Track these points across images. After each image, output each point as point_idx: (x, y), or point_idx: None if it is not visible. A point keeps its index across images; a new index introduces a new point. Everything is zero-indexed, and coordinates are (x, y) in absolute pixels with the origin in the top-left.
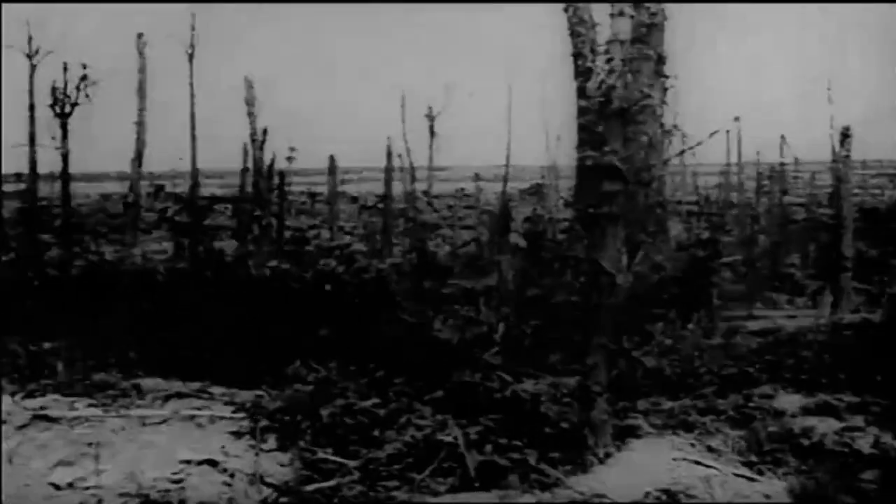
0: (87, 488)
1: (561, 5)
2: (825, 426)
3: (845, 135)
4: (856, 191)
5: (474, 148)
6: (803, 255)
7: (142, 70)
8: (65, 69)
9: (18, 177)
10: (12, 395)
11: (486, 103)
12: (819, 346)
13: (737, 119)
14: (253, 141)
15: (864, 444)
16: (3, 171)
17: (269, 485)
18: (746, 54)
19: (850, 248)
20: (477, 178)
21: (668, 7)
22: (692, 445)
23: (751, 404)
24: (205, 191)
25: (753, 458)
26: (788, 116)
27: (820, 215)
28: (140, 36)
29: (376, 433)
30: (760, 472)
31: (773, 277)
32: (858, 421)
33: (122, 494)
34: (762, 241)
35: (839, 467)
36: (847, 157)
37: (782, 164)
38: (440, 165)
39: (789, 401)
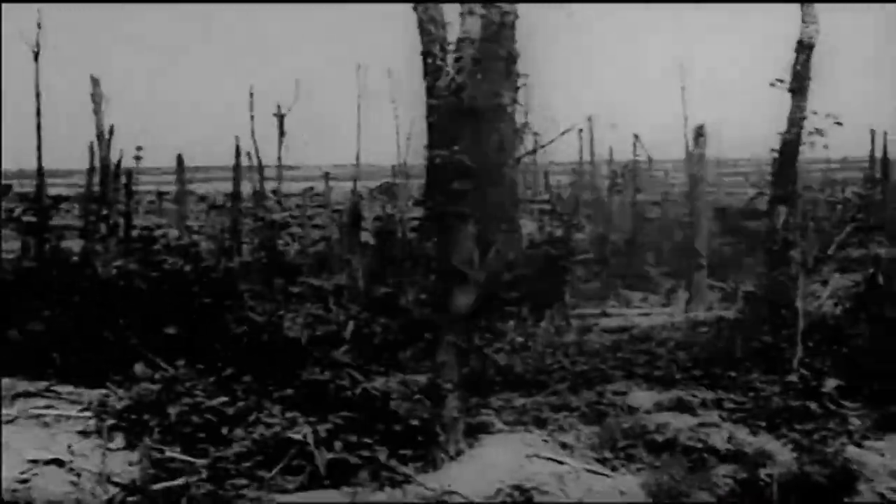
0: None
1: (410, 4)
2: (679, 422)
3: (699, 133)
4: (710, 189)
5: (324, 147)
6: (657, 253)
7: None
8: None
9: None
10: None
11: (336, 102)
12: (673, 343)
13: (589, 119)
14: (100, 140)
15: (718, 439)
16: None
17: (116, 484)
18: (602, 53)
19: (705, 246)
20: (327, 176)
21: (520, 6)
22: (545, 442)
23: (604, 401)
24: (53, 190)
25: (607, 454)
26: (643, 115)
27: (674, 213)
28: None
29: (225, 431)
30: (614, 468)
31: (627, 275)
32: (713, 417)
33: None
34: (615, 239)
35: (693, 463)
36: (701, 155)
37: (636, 163)
38: (289, 164)
39: (643, 397)
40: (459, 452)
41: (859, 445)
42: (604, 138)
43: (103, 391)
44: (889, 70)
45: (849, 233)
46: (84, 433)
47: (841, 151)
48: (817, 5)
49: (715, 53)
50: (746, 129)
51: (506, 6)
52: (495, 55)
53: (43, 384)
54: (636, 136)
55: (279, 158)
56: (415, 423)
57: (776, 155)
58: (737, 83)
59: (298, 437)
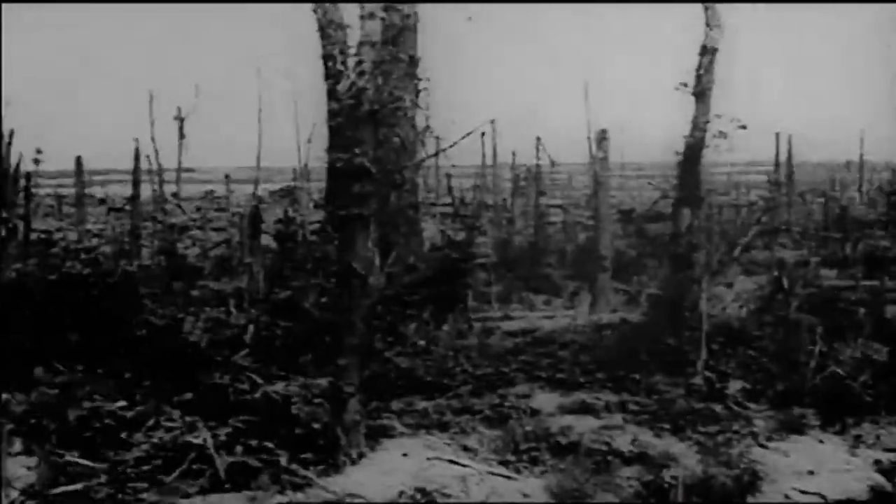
0: None
1: (310, 6)
2: (583, 425)
3: (603, 137)
4: (614, 192)
5: (225, 150)
6: (561, 256)
7: None
8: None
9: None
10: None
11: (237, 105)
12: (577, 345)
13: (492, 121)
14: None
15: (622, 442)
16: None
17: (15, 488)
18: (505, 56)
19: (609, 249)
20: (227, 179)
21: (422, 9)
22: (447, 445)
23: (507, 404)
24: None
25: (510, 457)
26: (547, 118)
27: (577, 217)
28: None
29: (124, 436)
30: (517, 471)
31: (530, 278)
32: (617, 419)
33: None
34: (518, 243)
35: (597, 465)
36: (604, 158)
37: (538, 166)
38: (190, 167)
39: (546, 400)
40: (361, 456)
41: (764, 447)
42: (507, 141)
43: (2, 395)
44: (797, 73)
45: (753, 235)
46: None
47: (746, 155)
48: (720, 8)
49: (619, 56)
50: (650, 133)
51: (407, 8)
52: (396, 58)
53: None
54: (539, 140)
55: (179, 161)
56: (316, 426)
57: (680, 158)
58: (640, 86)
59: (198, 441)
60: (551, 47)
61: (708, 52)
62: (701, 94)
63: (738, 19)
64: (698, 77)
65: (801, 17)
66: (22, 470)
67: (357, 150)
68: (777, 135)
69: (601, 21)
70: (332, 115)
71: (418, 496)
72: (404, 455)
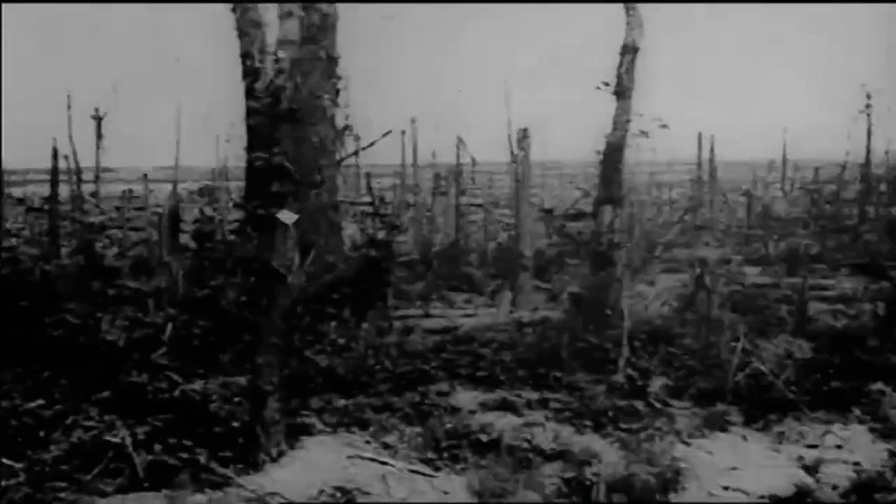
0: None
1: (228, 5)
2: (504, 422)
3: (524, 136)
4: (535, 191)
5: (143, 149)
6: (482, 255)
7: None
8: None
9: None
10: None
11: (156, 104)
12: (498, 343)
13: (413, 120)
14: None
15: (543, 439)
16: None
17: None
18: (427, 54)
19: (529, 248)
20: (146, 179)
21: (341, 8)
22: (367, 443)
23: (427, 401)
24: None
25: (430, 455)
26: (468, 116)
27: (498, 215)
28: None
29: (42, 434)
30: (438, 469)
31: (451, 277)
32: (538, 417)
33: None
34: (439, 241)
35: (519, 462)
36: (525, 157)
37: (459, 165)
38: (108, 167)
39: (467, 397)
40: (280, 454)
41: (686, 444)
42: (427, 140)
43: None
44: (719, 73)
45: (675, 234)
46: None
47: (668, 154)
48: (641, 8)
49: (541, 54)
50: (572, 132)
51: (325, 7)
52: (315, 57)
53: None
54: (459, 139)
55: (97, 161)
56: (235, 425)
57: (601, 157)
58: (563, 85)
59: (117, 439)
60: (472, 46)
61: (629, 51)
62: (622, 93)
63: (665, 18)
64: (619, 76)
65: (724, 17)
66: None
67: (276, 150)
68: (700, 134)
69: (522, 21)
70: (250, 113)
71: (338, 495)
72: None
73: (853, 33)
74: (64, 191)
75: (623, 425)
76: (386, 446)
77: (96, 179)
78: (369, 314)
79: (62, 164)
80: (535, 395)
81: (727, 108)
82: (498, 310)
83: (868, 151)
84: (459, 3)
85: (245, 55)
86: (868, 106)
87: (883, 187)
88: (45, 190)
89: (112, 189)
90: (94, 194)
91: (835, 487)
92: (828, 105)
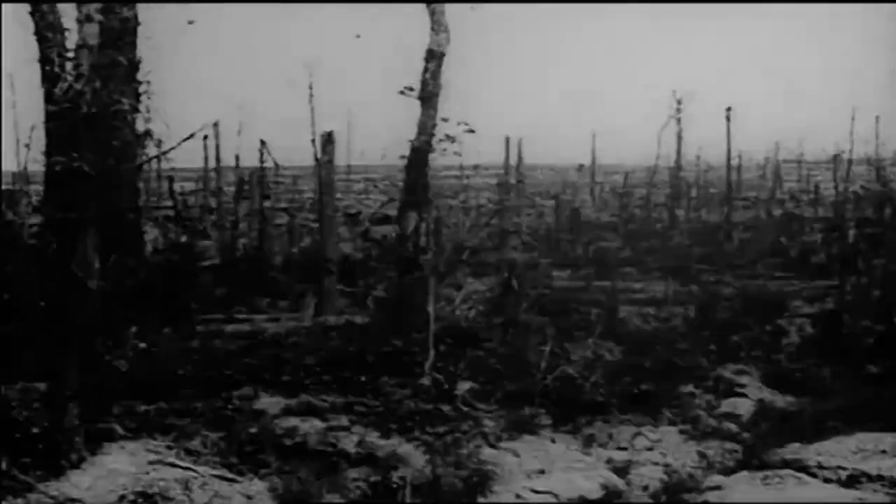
0: None
1: (27, 7)
2: (308, 426)
3: (328, 140)
4: (340, 195)
5: None
6: (287, 259)
7: None
8: None
9: None
10: None
11: None
12: (302, 348)
13: (215, 124)
14: None
15: (348, 443)
16: None
17: None
18: (229, 58)
19: (335, 252)
20: None
21: (142, 12)
22: (169, 448)
23: (230, 406)
24: None
25: (234, 460)
26: (271, 120)
27: (302, 219)
28: None
29: None
30: (241, 473)
31: (256, 281)
32: (343, 421)
33: None
34: (243, 245)
35: (323, 467)
36: (330, 162)
37: (262, 169)
38: None
39: (271, 402)
40: (82, 460)
41: (494, 447)
42: (230, 144)
43: None
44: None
45: (483, 238)
46: None
47: (476, 158)
48: (448, 14)
49: (346, 57)
50: (379, 136)
51: (126, 12)
52: (115, 62)
53: None
54: (262, 143)
55: None
56: (35, 430)
57: (406, 162)
58: (370, 89)
59: None
60: (279, 48)
61: (434, 56)
62: (427, 98)
63: (479, 21)
64: (424, 81)
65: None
66: None
67: (75, 154)
68: (507, 138)
69: (329, 21)
70: (49, 117)
71: (140, 500)
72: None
73: (669, 40)
74: None
75: (429, 429)
76: (189, 452)
77: None
78: (172, 319)
79: None
80: (340, 400)
81: (537, 112)
82: (303, 314)
83: (678, 156)
84: (266, 3)
85: (44, 59)
86: (678, 111)
87: (693, 192)
88: None
89: None
90: None
91: (645, 489)
92: (638, 110)
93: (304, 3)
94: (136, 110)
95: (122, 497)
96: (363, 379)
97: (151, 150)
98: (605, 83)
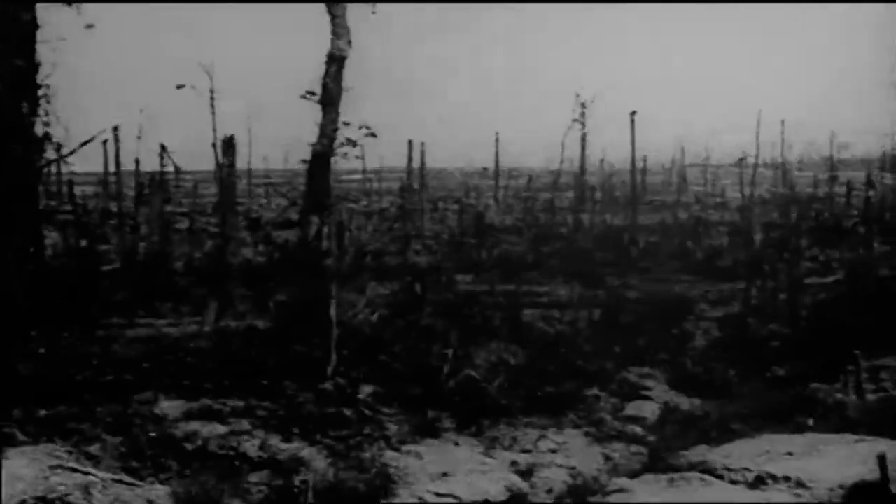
0: None
1: None
2: (209, 430)
3: (229, 144)
4: (241, 200)
5: None
6: (188, 263)
7: None
8: None
9: None
10: None
11: None
12: (203, 352)
13: (115, 128)
14: None
15: (250, 447)
16: None
17: None
18: (129, 63)
19: (236, 256)
20: None
21: (40, 15)
22: (70, 453)
23: (131, 411)
24: None
25: (135, 464)
26: (173, 125)
27: (204, 224)
28: None
29: None
30: (142, 478)
31: (157, 285)
32: (244, 425)
33: None
34: (144, 250)
35: (225, 471)
36: (231, 166)
37: (163, 173)
38: None
39: (171, 406)
40: None
41: (397, 450)
42: (131, 148)
43: None
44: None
45: (386, 242)
46: None
47: (379, 162)
48: (351, 18)
49: (248, 61)
50: (282, 140)
51: (24, 15)
52: (13, 66)
53: None
54: (163, 147)
55: None
56: None
57: (307, 166)
58: (273, 93)
59: None
60: (181, 52)
61: (335, 60)
62: (328, 102)
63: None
64: (325, 85)
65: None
66: None
67: None
68: (410, 142)
69: (232, 23)
70: None
71: None
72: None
73: (576, 42)
74: None
75: (332, 432)
76: (89, 456)
77: None
78: (72, 323)
79: None
80: (241, 404)
81: (442, 116)
82: (204, 318)
83: (583, 159)
84: (167, 3)
85: None
86: (583, 115)
87: (598, 195)
88: None
89: None
90: None
91: (549, 491)
92: (544, 114)
93: (207, 3)
94: (35, 114)
95: (23, 502)
96: (265, 383)
97: (51, 154)
98: (510, 86)
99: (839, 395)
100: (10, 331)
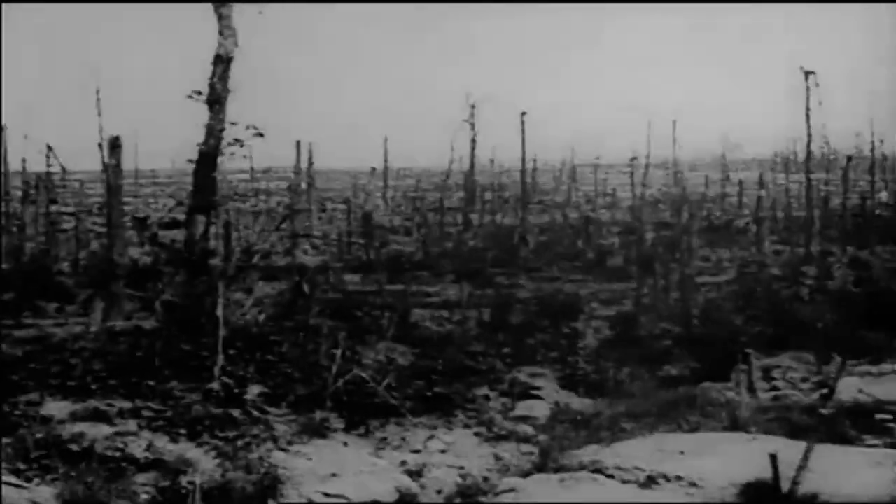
0: None
1: None
2: (96, 431)
3: (115, 144)
4: (127, 200)
5: None
6: (73, 263)
7: None
8: None
9: None
10: None
11: None
12: (90, 352)
13: (1, 128)
14: None
15: (136, 448)
16: None
17: None
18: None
19: (123, 256)
20: None
21: None
22: None
23: (17, 412)
24: None
25: (21, 465)
26: (58, 124)
27: (90, 224)
28: None
29: None
30: (28, 479)
31: (43, 286)
32: (131, 426)
33: None
34: (30, 250)
35: (111, 472)
36: (117, 166)
37: (49, 173)
38: None
39: (57, 407)
40: None
41: (285, 450)
42: (17, 148)
43: None
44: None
45: (273, 241)
46: None
47: (267, 161)
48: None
49: (134, 61)
50: (165, 140)
51: None
52: None
53: None
54: (49, 147)
55: None
56: None
57: (194, 166)
58: (159, 92)
59: None
60: (68, 51)
61: (222, 60)
62: (215, 102)
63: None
64: (212, 85)
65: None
66: None
67: None
68: (298, 142)
69: (120, 23)
70: None
71: None
72: None
73: (466, 42)
74: None
75: (219, 433)
76: None
77: None
78: None
79: None
80: (127, 404)
81: (331, 116)
82: (90, 318)
83: (472, 159)
84: (55, 3)
85: None
86: (472, 115)
87: (487, 195)
88: None
89: None
90: None
91: (440, 491)
92: (432, 113)
93: (95, 3)
94: None
95: None
96: (151, 384)
97: None
98: (400, 86)
99: (731, 394)
100: None
